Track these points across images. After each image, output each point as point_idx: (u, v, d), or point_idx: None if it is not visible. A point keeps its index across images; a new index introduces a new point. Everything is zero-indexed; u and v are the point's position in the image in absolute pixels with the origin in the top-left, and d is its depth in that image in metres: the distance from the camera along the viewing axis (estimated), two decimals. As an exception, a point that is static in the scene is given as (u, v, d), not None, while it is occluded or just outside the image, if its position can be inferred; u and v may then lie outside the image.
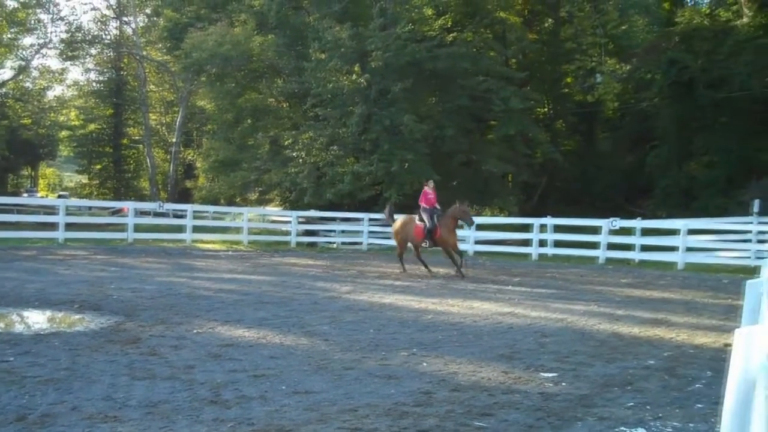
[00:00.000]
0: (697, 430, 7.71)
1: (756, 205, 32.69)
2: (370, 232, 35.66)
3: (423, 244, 23.81)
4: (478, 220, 34.56)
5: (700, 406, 8.62)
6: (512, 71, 43.77)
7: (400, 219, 24.98)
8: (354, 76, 38.75)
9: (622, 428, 7.70)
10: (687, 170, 41.83)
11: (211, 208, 43.02)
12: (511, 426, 7.66)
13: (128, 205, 34.13)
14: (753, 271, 23.28)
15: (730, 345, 3.78)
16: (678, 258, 27.74)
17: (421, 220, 23.55)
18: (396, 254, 25.54)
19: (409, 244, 24.78)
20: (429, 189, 23.87)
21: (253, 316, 13.97)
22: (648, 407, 8.50)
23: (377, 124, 37.94)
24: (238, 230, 36.31)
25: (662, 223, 30.95)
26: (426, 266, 23.67)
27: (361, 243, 35.60)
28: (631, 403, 8.65)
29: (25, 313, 13.83)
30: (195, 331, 12.34)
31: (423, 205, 23.59)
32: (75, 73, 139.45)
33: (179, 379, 9.12)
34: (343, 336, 12.27)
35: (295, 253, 32.31)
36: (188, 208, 34.54)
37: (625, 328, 13.85)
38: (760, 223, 30.38)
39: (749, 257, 27.37)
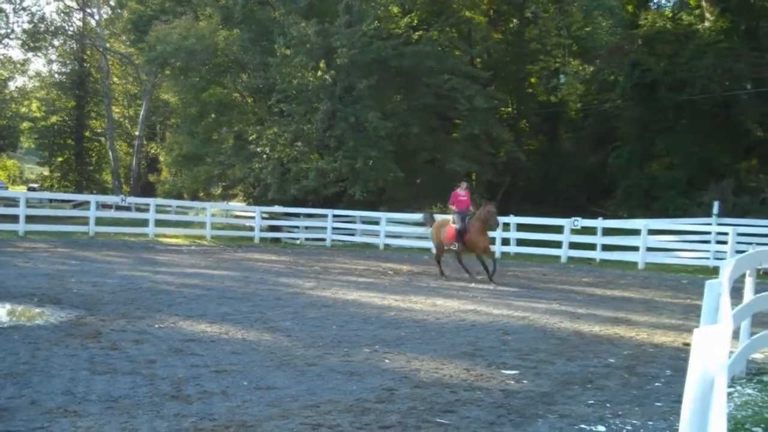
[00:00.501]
0: (656, 428, 7.78)
1: (716, 206, 33.09)
2: (334, 228, 35.64)
3: (452, 247, 22.29)
4: (439, 218, 34.72)
5: (659, 404, 8.71)
6: (477, 70, 43.90)
7: (437, 222, 23.84)
8: (319, 73, 38.68)
9: (583, 426, 7.75)
10: (648, 171, 42.21)
11: (175, 203, 42.75)
12: (473, 423, 7.68)
13: (90, 198, 33.83)
14: (712, 272, 23.58)
15: (689, 344, 3.82)
16: (639, 258, 27.99)
17: (454, 222, 22.13)
18: (434, 257, 24.31)
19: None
20: (461, 191, 22.42)
21: (216, 312, 13.89)
22: (608, 405, 8.57)
23: (342, 121, 37.89)
24: (201, 225, 36.09)
25: (623, 223, 31.20)
26: (467, 271, 22.28)
27: (325, 239, 35.55)
28: (592, 401, 8.71)
29: (-16, 306, 13.65)
30: (157, 325, 12.25)
31: (453, 207, 22.35)
32: (37, 64, 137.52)
33: (140, 373, 9.05)
34: (305, 332, 12.24)
35: (258, 248, 32.19)
36: (151, 202, 34.29)
37: (587, 327, 13.95)
38: (719, 224, 30.73)
39: (708, 258, 27.67)
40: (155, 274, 20.00)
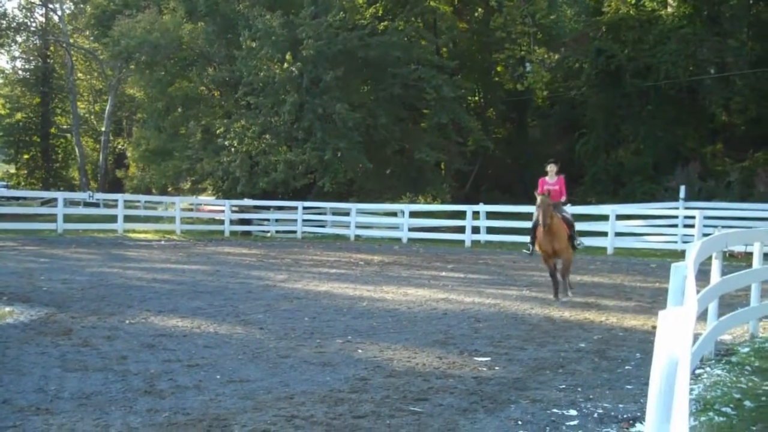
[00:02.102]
0: (627, 410, 7.87)
1: (682, 190, 33.36)
2: (305, 220, 35.59)
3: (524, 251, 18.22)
4: (410, 207, 34.81)
5: (629, 387, 8.80)
6: (443, 60, 43.92)
7: None
8: (286, 65, 38.49)
9: (555, 410, 7.82)
10: (615, 157, 42.45)
11: (143, 198, 42.46)
12: (446, 410, 7.72)
13: (58, 195, 33.54)
14: (681, 255, 23.78)
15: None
16: (608, 243, 28.19)
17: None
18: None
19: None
20: (549, 179, 16.56)
21: (188, 306, 13.86)
22: (579, 389, 8.65)
23: (310, 113, 37.79)
24: (171, 220, 35.91)
25: (592, 209, 31.36)
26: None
27: (295, 231, 35.48)
28: (563, 386, 8.79)
29: (-48, 306, 13.52)
30: (128, 321, 12.20)
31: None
32: (0, 61, 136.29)
33: (112, 370, 9.02)
34: (278, 324, 12.24)
35: (229, 242, 32.09)
36: (119, 197, 34.05)
37: (557, 313, 14.06)
38: (686, 208, 30.99)
39: (676, 241, 27.92)
40: (125, 270, 19.90)
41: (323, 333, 11.62)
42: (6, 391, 8.00)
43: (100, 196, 41.59)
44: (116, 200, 34.12)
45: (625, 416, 7.67)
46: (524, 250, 17.67)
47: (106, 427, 6.94)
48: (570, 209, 29.54)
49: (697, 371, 9.34)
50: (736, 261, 19.82)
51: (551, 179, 16.47)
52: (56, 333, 11.07)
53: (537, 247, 16.30)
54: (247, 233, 36.77)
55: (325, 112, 37.74)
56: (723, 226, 25.88)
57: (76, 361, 9.38)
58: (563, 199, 16.50)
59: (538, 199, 15.56)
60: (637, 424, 7.30)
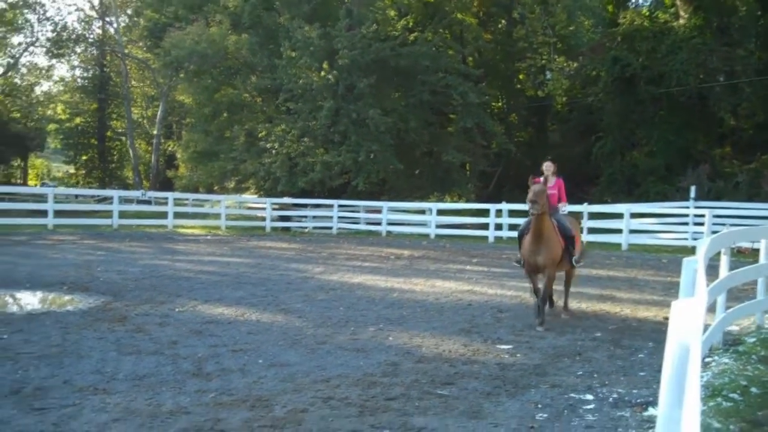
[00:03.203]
0: (640, 395, 7.82)
1: (693, 191, 33.07)
2: (340, 217, 35.63)
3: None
4: (438, 205, 34.78)
5: (643, 373, 8.75)
6: (469, 68, 43.75)
7: None
8: (323, 73, 38.56)
9: (572, 394, 7.80)
10: (630, 159, 42.09)
11: (191, 196, 42.72)
12: (471, 394, 7.72)
13: (113, 193, 33.85)
14: (691, 251, 23.53)
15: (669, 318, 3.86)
16: (622, 239, 27.98)
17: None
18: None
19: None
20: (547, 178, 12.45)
21: (232, 296, 13.93)
22: (595, 375, 8.61)
23: (345, 118, 37.84)
24: (216, 216, 36.10)
25: (608, 208, 31.14)
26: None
27: (331, 228, 35.52)
28: (580, 372, 8.76)
29: (18, 294, 13.71)
30: (177, 309, 12.29)
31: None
32: (61, 69, 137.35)
33: (164, 354, 9.10)
34: (315, 313, 12.28)
35: (270, 237, 32.18)
36: (170, 195, 34.25)
37: (574, 304, 13.98)
38: (696, 207, 30.69)
39: (687, 238, 27.65)
40: (175, 262, 20.03)
41: (357, 321, 11.64)
42: (66, 373, 8.10)
43: (152, 194, 41.93)
44: (167, 198, 34.34)
45: (638, 401, 7.63)
46: (515, 263, 12.91)
47: (158, 406, 7.01)
48: (587, 208, 29.71)
49: (706, 360, 9.27)
50: (744, 257, 19.63)
51: (548, 183, 12.27)
52: (112, 320, 11.18)
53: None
54: (287, 229, 36.85)
55: (359, 117, 37.76)
56: (731, 224, 25.79)
57: (130, 346, 9.48)
58: (563, 206, 13.09)
59: (532, 188, 11.51)
60: (650, 408, 7.26)
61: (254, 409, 7.01)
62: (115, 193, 33.59)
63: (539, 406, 7.40)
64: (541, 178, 12.22)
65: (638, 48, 40.63)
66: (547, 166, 12.92)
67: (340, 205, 35.51)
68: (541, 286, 11.94)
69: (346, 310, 12.77)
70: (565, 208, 13.26)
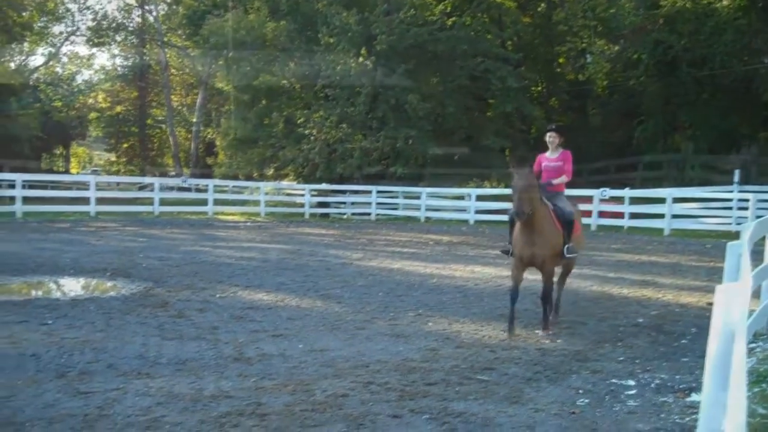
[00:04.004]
0: (683, 381, 7.76)
1: (736, 174, 32.61)
2: (378, 203, 35.69)
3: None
4: (477, 191, 34.65)
5: (685, 359, 8.68)
6: (508, 53, 43.43)
7: None
8: (361, 59, 38.53)
9: (614, 380, 7.76)
10: (672, 143, 41.69)
11: (231, 183, 43.06)
12: (511, 379, 7.72)
13: (154, 181, 34.22)
14: (735, 236, 23.21)
15: (713, 303, 3.82)
16: (665, 224, 27.68)
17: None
18: None
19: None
20: (549, 155, 11.06)
21: (272, 282, 14.03)
22: (637, 361, 8.55)
23: (383, 103, 37.83)
24: (256, 203, 36.33)
25: (650, 192, 30.84)
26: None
27: (370, 213, 35.60)
28: (622, 358, 8.70)
29: (62, 281, 13.93)
30: (218, 295, 12.41)
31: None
32: (102, 58, 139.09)
33: (205, 338, 9.20)
34: (355, 299, 12.33)
35: (309, 223, 32.34)
36: (209, 183, 34.58)
37: (616, 289, 13.88)
38: (740, 191, 30.25)
39: (731, 223, 27.27)
40: (215, 248, 20.22)
41: (396, 307, 11.67)
42: (110, 357, 8.22)
43: (192, 181, 42.28)
44: (207, 185, 34.66)
45: (681, 386, 7.57)
46: (500, 252, 11.45)
47: (200, 390, 7.09)
48: (629, 193, 29.40)
49: (751, 345, 9.15)
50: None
51: (552, 155, 10.98)
52: (154, 305, 11.32)
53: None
54: (325, 215, 36.97)
55: (397, 103, 37.73)
56: (776, 209, 25.39)
57: (172, 331, 9.59)
58: (563, 178, 10.80)
59: (515, 177, 9.68)
60: (693, 394, 7.20)
61: (295, 393, 7.07)
62: (155, 181, 33.95)
63: (580, 391, 7.37)
64: (546, 154, 10.97)
65: (680, 30, 40.09)
66: (552, 138, 10.99)
67: (378, 191, 35.56)
68: (543, 283, 10.24)
69: (385, 295, 12.80)
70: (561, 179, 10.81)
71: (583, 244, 11.76)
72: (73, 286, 13.43)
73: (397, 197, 36.65)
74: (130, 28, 67.87)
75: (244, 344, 8.94)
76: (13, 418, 6.21)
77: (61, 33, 64.11)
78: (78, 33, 63.58)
